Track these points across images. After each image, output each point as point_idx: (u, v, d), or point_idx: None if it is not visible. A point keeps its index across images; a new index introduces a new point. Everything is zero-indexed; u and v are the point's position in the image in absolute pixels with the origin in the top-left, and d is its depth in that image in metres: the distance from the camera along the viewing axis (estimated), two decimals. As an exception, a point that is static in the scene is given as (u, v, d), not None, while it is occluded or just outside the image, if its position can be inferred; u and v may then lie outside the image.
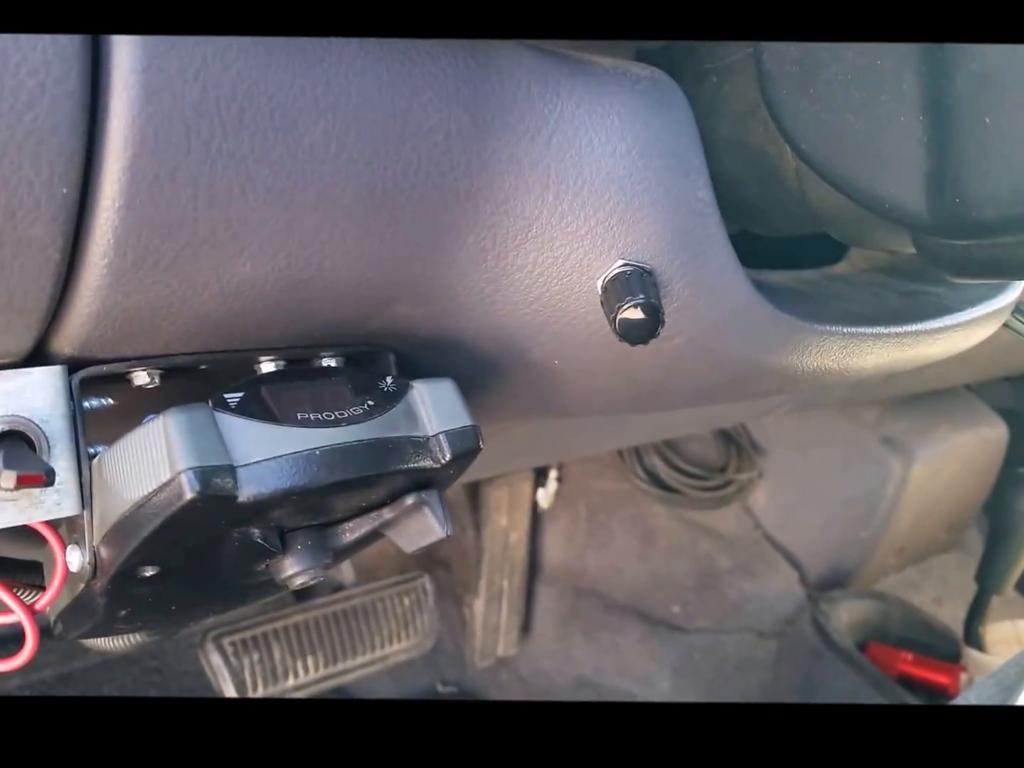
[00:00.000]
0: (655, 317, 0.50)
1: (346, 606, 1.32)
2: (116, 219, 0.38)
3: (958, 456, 1.63)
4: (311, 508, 0.47)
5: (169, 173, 0.39)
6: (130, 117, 0.37)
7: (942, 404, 1.63)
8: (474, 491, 1.50)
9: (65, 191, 0.37)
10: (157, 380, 0.48)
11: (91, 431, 0.45)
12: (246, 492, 0.42)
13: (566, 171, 0.51)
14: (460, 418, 0.50)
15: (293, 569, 0.48)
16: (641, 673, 1.60)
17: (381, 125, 0.44)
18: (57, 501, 0.43)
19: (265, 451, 0.43)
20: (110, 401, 0.47)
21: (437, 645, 1.45)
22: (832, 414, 1.63)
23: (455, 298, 0.52)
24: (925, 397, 1.58)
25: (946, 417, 1.63)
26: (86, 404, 0.45)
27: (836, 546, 1.68)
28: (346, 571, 1.38)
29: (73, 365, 0.45)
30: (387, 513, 0.50)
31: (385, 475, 0.47)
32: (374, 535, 0.51)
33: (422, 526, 0.50)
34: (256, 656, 1.22)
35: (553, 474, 1.63)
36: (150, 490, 0.41)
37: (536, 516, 1.62)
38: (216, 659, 1.19)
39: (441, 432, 0.49)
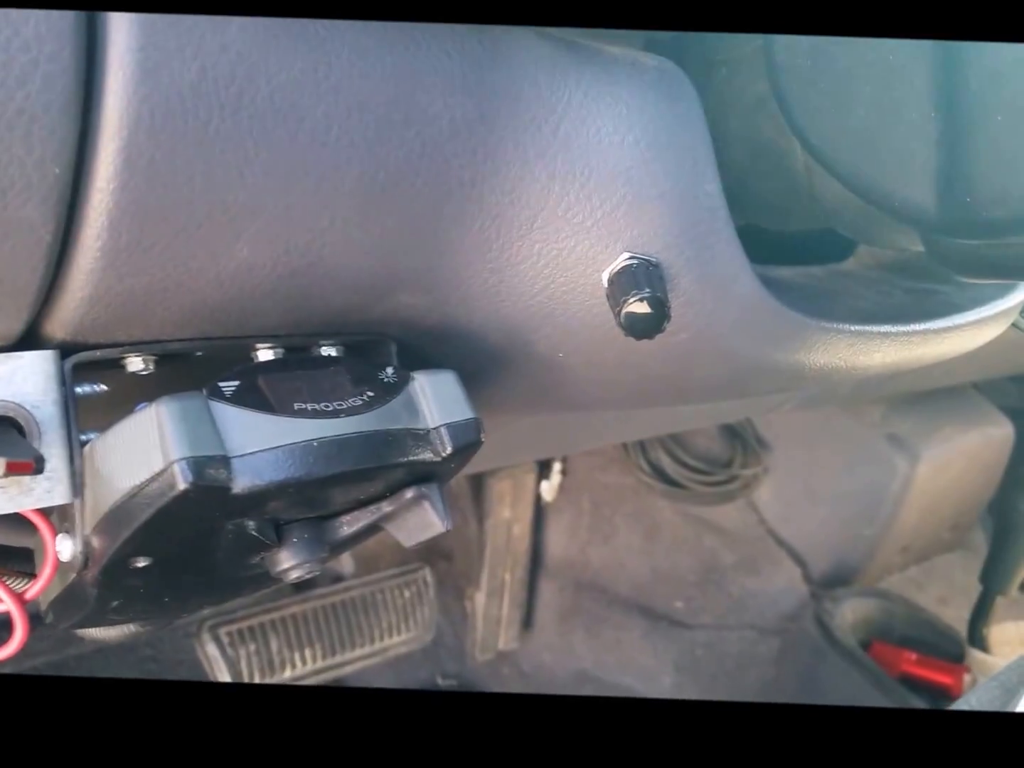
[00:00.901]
0: (661, 311, 0.49)
1: (345, 597, 1.32)
2: (110, 201, 0.37)
3: (963, 455, 1.62)
4: (308, 500, 0.46)
5: (165, 155, 0.38)
6: (126, 96, 0.36)
7: (948, 402, 1.62)
8: (477, 483, 1.49)
9: (58, 171, 0.36)
10: (151, 366, 0.47)
11: (84, 417, 0.45)
12: (240, 483, 0.41)
13: (573, 161, 0.50)
14: (462, 410, 0.49)
15: (289, 562, 0.47)
16: (643, 668, 1.59)
17: (384, 109, 0.44)
18: (48, 489, 0.42)
19: (260, 441, 0.42)
20: (103, 387, 0.46)
21: (437, 638, 1.45)
22: (837, 412, 1.61)
23: (459, 288, 0.51)
24: (930, 395, 1.57)
25: (951, 416, 1.62)
26: (78, 390, 0.44)
27: (840, 544, 1.67)
28: (345, 562, 1.37)
29: (65, 350, 0.44)
30: (386, 506, 0.49)
31: (384, 468, 0.46)
32: (373, 528, 0.50)
33: (422, 520, 0.49)
34: (253, 647, 1.22)
35: (557, 467, 1.62)
36: (143, 479, 0.40)
37: (539, 509, 1.62)
38: (212, 649, 1.18)
39: (442, 425, 0.48)
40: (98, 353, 0.44)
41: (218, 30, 0.38)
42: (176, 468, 0.39)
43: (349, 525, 0.49)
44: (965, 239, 0.51)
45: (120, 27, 0.36)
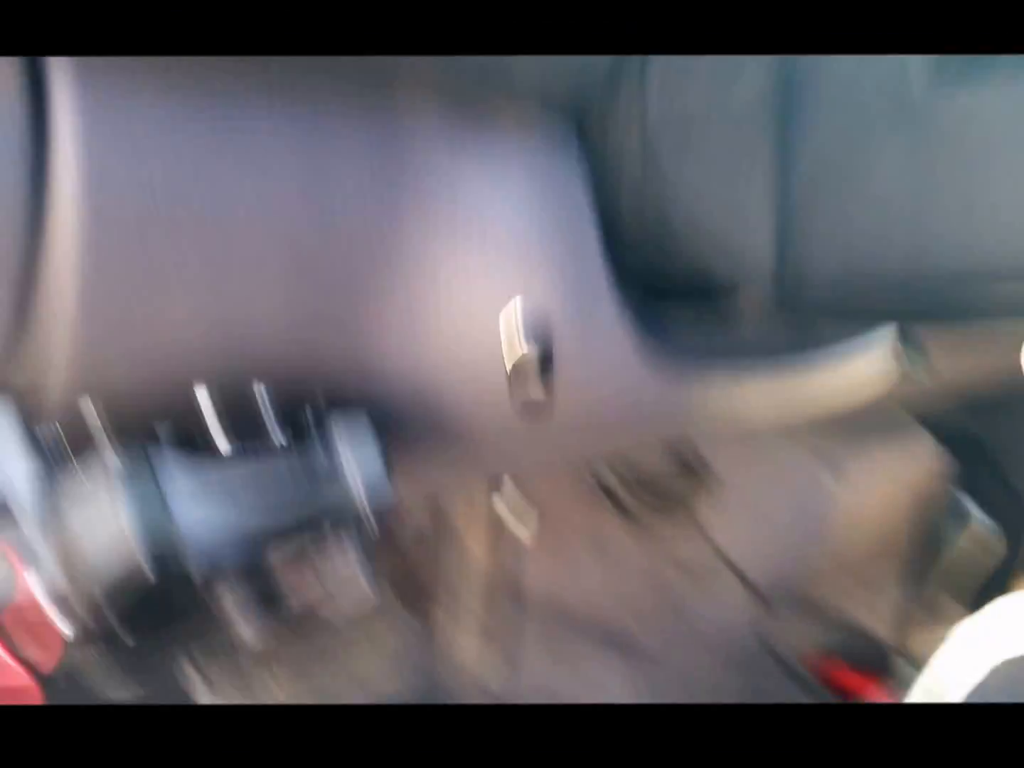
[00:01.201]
0: (546, 366, 0.57)
1: (315, 620, 1.38)
2: (66, 283, 0.45)
3: (888, 472, 1.70)
4: (253, 572, 0.53)
5: (112, 244, 0.45)
6: (76, 202, 0.44)
7: (872, 420, 1.70)
8: (439, 509, 1.55)
9: (16, 264, 0.44)
10: (107, 415, 0.54)
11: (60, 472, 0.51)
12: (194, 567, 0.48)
13: (471, 225, 0.57)
14: (372, 455, 0.56)
15: (241, 625, 0.54)
16: (602, 686, 1.66)
17: (301, 198, 0.52)
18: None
19: (201, 489, 0.49)
20: (66, 437, 0.53)
21: (404, 659, 1.51)
22: (772, 433, 1.69)
23: (376, 341, 0.59)
24: (858, 415, 1.65)
25: (875, 433, 1.71)
26: (46, 441, 0.51)
27: (781, 561, 1.75)
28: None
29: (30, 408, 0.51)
30: (323, 583, 0.56)
31: (303, 503, 0.53)
32: (316, 601, 0.57)
33: (356, 593, 0.57)
34: (225, 663, 1.28)
35: (514, 489, 1.68)
36: (110, 562, 0.47)
37: (501, 535, 1.68)
38: (189, 668, 1.24)
39: (355, 471, 0.55)
40: (58, 410, 0.51)
41: (158, 146, 0.46)
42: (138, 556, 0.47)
43: (295, 597, 0.56)
44: (796, 312, 0.59)
45: (67, 150, 0.44)
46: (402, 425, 0.64)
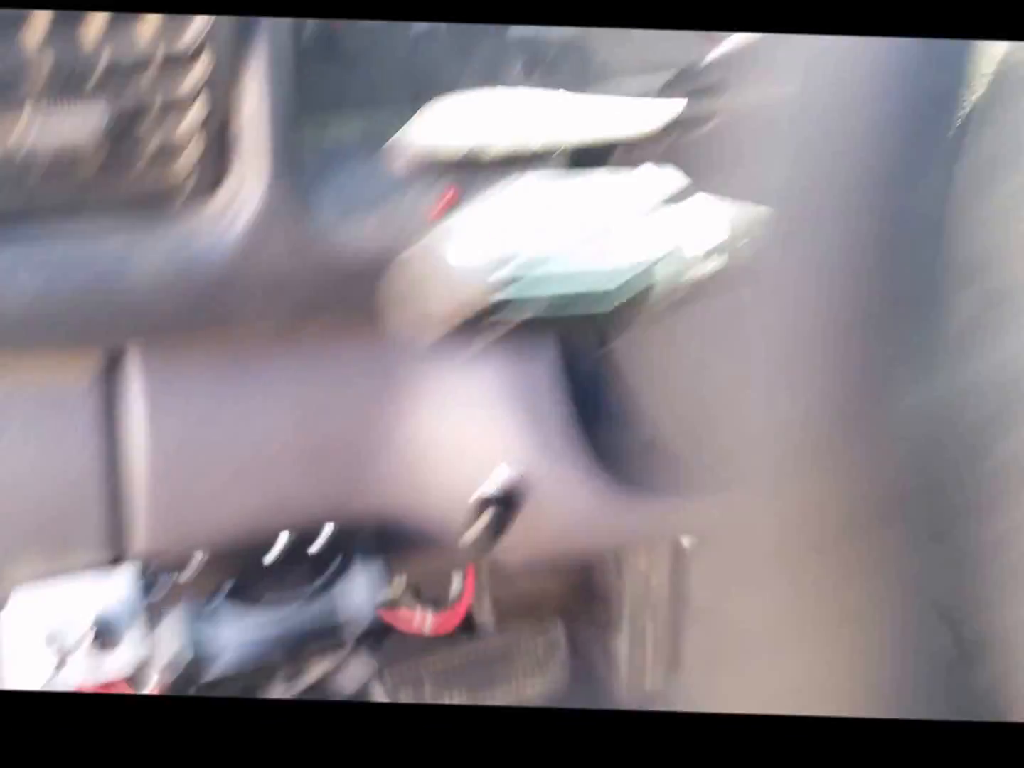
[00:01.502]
0: (497, 531, 0.71)
1: (487, 646, 1.57)
2: (147, 524, 0.67)
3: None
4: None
5: (175, 455, 0.67)
6: (146, 434, 0.66)
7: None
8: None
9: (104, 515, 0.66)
10: (201, 563, 0.76)
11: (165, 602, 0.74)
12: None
13: (455, 416, 0.73)
14: (378, 594, 0.75)
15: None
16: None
17: (313, 402, 0.70)
18: (132, 656, 0.73)
19: (242, 633, 0.70)
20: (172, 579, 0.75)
21: (579, 683, 1.66)
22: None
23: (386, 498, 0.76)
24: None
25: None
26: (155, 588, 0.74)
27: (987, 605, 1.70)
28: (485, 617, 1.61)
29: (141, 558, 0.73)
30: (335, 663, 0.76)
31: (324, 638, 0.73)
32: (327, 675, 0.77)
33: (357, 672, 0.76)
34: (411, 690, 1.51)
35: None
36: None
37: (676, 557, 1.76)
38: (379, 692, 1.48)
39: (363, 606, 0.74)
40: (158, 568, 0.74)
41: (200, 400, 0.67)
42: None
43: (312, 675, 0.76)
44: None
45: (137, 410, 0.65)
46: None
